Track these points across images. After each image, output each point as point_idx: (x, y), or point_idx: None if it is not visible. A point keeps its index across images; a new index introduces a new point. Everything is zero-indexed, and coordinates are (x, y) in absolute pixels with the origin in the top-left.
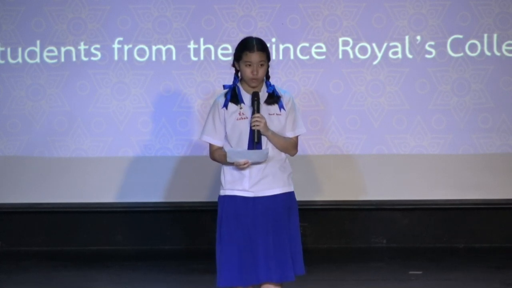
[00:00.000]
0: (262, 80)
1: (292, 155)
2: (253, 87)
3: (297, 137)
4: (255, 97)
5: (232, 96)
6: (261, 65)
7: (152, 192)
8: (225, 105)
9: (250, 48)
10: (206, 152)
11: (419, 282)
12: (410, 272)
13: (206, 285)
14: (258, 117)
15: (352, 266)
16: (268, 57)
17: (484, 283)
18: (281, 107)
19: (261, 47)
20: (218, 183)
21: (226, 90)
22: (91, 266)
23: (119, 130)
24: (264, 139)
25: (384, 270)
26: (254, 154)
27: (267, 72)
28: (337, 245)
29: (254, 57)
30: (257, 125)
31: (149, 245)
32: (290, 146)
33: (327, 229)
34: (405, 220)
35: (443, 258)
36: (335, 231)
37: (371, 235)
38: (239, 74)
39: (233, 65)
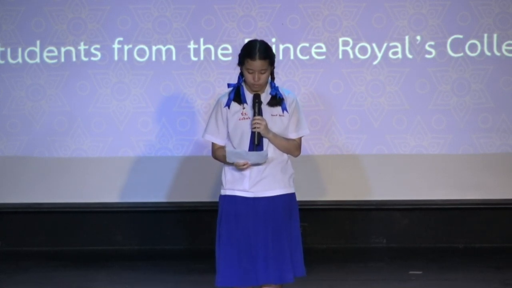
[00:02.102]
0: (266, 82)
1: (295, 156)
2: (256, 91)
3: (300, 138)
4: (256, 99)
5: (236, 95)
6: (263, 72)
7: (152, 192)
8: (228, 105)
9: (252, 56)
10: (206, 152)
11: (419, 282)
12: (410, 272)
13: (206, 285)
14: (258, 119)
15: (352, 266)
16: (271, 63)
17: (484, 283)
18: (284, 109)
19: (264, 55)
20: (218, 183)
21: (230, 89)
22: (91, 266)
23: (119, 130)
24: (265, 141)
25: (384, 270)
26: (253, 155)
27: (272, 73)
28: (337, 245)
29: (256, 65)
30: (257, 128)
31: (149, 245)
32: (292, 148)
33: (327, 229)
34: (405, 220)
35: (443, 258)
36: (335, 231)
37: (371, 235)
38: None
39: (239, 64)
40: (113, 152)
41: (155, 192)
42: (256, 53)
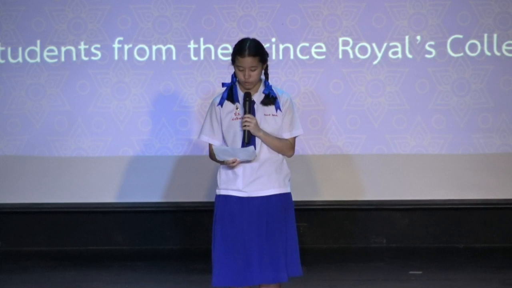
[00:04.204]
0: (259, 81)
1: (289, 156)
2: (248, 89)
3: (294, 138)
4: (246, 97)
5: (229, 94)
6: (253, 69)
7: (152, 192)
8: (221, 103)
9: (241, 53)
10: (205, 152)
11: (419, 282)
12: (410, 272)
13: (206, 285)
14: (248, 117)
15: (352, 266)
16: (262, 60)
17: (484, 283)
18: (277, 108)
19: (254, 52)
20: (217, 183)
21: (223, 89)
22: (91, 266)
23: (119, 130)
24: (258, 140)
25: (384, 270)
26: (241, 152)
27: (266, 72)
28: (337, 245)
29: (245, 62)
30: (247, 126)
31: (149, 245)
32: (285, 147)
33: (327, 229)
34: (405, 220)
35: (443, 258)
36: (335, 231)
37: (371, 235)
38: None
39: (232, 63)
40: (113, 152)
41: (155, 192)
42: (245, 50)
